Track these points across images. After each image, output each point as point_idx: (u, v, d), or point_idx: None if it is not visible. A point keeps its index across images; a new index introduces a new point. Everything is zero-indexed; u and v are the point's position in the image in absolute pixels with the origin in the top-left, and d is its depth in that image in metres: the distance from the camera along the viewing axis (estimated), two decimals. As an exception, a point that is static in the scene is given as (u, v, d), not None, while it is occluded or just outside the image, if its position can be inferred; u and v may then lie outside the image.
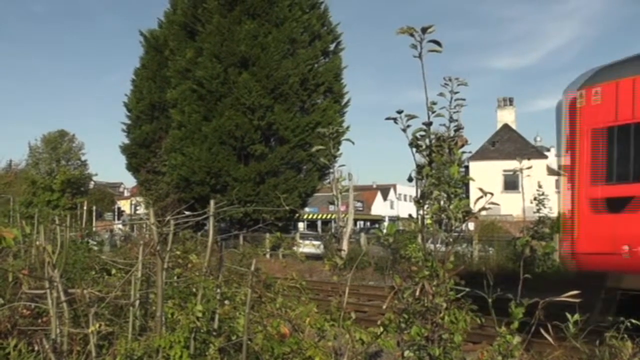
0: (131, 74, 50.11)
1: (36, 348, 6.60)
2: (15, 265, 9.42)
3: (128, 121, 49.92)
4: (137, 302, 6.88)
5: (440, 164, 4.82)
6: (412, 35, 4.75)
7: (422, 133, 4.98)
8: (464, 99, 4.85)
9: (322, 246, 32.31)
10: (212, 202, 7.03)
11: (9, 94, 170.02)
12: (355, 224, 69.43)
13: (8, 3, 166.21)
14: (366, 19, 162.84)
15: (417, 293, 4.65)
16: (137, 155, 48.17)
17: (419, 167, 4.98)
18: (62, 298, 6.77)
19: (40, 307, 7.31)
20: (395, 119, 5.26)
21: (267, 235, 29.27)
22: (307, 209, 57.35)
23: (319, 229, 75.45)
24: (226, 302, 7.37)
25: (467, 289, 4.78)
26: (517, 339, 4.40)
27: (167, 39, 44.42)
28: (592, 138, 11.16)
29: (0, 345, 6.38)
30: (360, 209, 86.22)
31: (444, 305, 4.57)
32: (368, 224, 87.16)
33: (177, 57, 41.67)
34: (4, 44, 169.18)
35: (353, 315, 5.55)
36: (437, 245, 4.86)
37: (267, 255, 27.14)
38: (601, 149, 11.00)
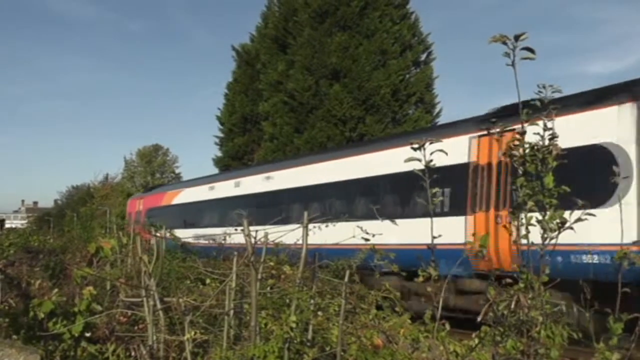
0: (224, 88, 51.08)
1: (133, 354, 6.76)
2: (113, 274, 9.72)
3: (221, 134, 50.83)
4: (232, 312, 6.96)
5: (534, 173, 4.70)
6: (504, 43, 4.65)
7: (516, 142, 4.86)
8: (557, 107, 4.72)
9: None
10: (305, 213, 7.05)
11: (105, 110, 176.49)
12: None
13: (106, 23, 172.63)
14: (457, 27, 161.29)
15: (513, 306, 4.53)
16: (230, 167, 49.00)
17: (513, 177, 4.86)
18: (158, 306, 6.92)
19: (137, 315, 7.49)
20: (488, 129, 5.16)
21: (361, 246, 29.00)
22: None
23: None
24: (319, 313, 7.38)
25: (563, 302, 4.63)
26: (616, 356, 4.22)
27: (258, 52, 45.08)
28: None
29: (100, 350, 6.55)
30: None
31: (540, 318, 4.44)
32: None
33: (269, 70, 42.22)
34: (102, 62, 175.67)
35: (447, 326, 5.46)
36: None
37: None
38: None
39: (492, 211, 15.06)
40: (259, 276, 6.63)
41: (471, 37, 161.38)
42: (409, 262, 5.97)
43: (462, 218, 15.74)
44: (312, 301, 6.89)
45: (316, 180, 21.87)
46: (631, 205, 12.10)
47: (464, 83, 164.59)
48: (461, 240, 14.14)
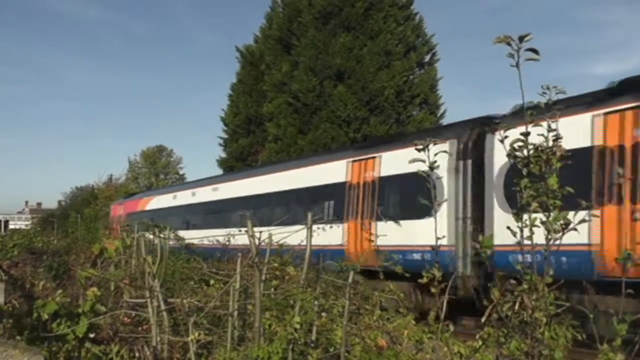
0: (228, 89, 51.09)
1: (137, 355, 6.76)
2: (117, 275, 9.73)
3: (225, 135, 50.82)
4: (236, 313, 6.95)
5: (538, 174, 4.69)
6: (509, 44, 4.64)
7: (520, 143, 4.85)
8: (562, 108, 4.71)
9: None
10: (309, 214, 7.04)
11: (109, 111, 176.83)
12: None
13: (110, 24, 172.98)
14: (461, 28, 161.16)
15: (516, 307, 4.52)
16: (234, 168, 48.99)
17: (517, 178, 4.85)
18: (162, 307, 6.92)
19: (141, 315, 7.50)
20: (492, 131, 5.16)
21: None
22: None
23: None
24: (323, 314, 7.37)
25: (568, 304, 4.62)
26: (620, 357, 4.21)
27: (262, 53, 45.09)
28: None
29: (104, 351, 6.56)
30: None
31: (544, 320, 4.43)
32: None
33: (273, 71, 42.24)
34: (106, 63, 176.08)
35: (451, 327, 5.45)
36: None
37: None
38: None
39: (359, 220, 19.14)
40: (263, 277, 6.63)
41: (476, 38, 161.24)
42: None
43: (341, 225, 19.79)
44: (316, 302, 6.89)
45: (247, 192, 26.96)
46: (444, 217, 16.29)
47: (469, 84, 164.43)
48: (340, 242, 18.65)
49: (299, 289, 6.98)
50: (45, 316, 6.62)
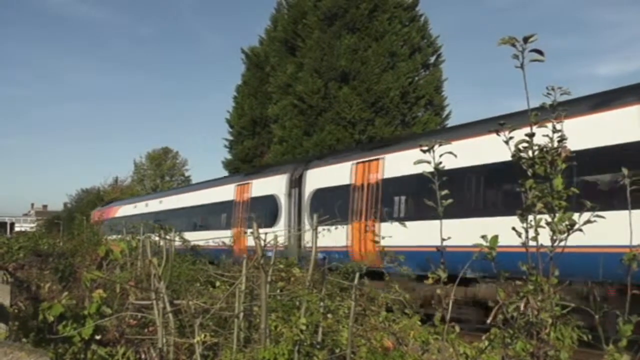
0: (233, 91, 51.18)
1: (143, 356, 6.77)
2: (122, 277, 9.74)
3: (230, 137, 50.91)
4: (242, 314, 6.96)
5: (543, 175, 4.68)
6: (513, 45, 4.63)
7: (525, 144, 4.84)
8: (567, 109, 4.71)
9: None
10: (315, 216, 7.05)
11: (115, 113, 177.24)
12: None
13: (116, 26, 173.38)
14: (466, 29, 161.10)
15: (522, 308, 4.51)
16: (239, 170, 49.04)
17: (523, 179, 4.85)
18: (168, 309, 6.93)
19: (147, 317, 7.51)
20: (497, 131, 5.14)
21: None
22: (408, 223, 56.81)
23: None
24: (329, 315, 7.37)
25: (573, 305, 4.61)
26: (625, 358, 4.20)
27: (267, 55, 45.16)
28: None
29: (110, 352, 6.56)
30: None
31: (550, 320, 4.42)
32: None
33: (278, 73, 42.28)
34: (111, 65, 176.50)
35: (457, 328, 5.44)
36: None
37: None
38: None
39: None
40: (269, 279, 6.63)
41: (480, 38, 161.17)
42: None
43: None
44: (321, 303, 6.89)
45: (184, 204, 34.98)
46: (283, 226, 23.63)
47: (474, 85, 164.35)
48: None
49: (304, 291, 6.98)
50: (51, 318, 6.63)
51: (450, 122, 41.62)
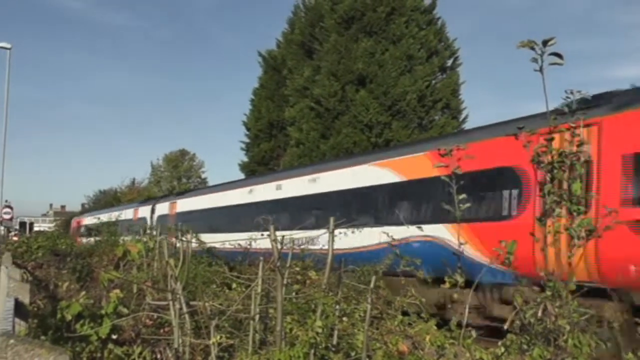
0: (250, 93, 51.24)
1: (159, 356, 6.80)
2: (139, 277, 9.78)
3: (247, 140, 50.96)
4: (257, 317, 6.97)
5: (562, 180, 4.66)
6: (532, 48, 4.62)
7: (544, 148, 4.82)
8: (585, 113, 4.69)
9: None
10: (331, 219, 7.05)
11: (132, 115, 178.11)
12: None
13: (134, 30, 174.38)
14: (483, 32, 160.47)
15: (540, 314, 4.49)
16: (255, 173, 49.12)
17: (541, 184, 4.82)
18: (185, 309, 6.95)
19: (163, 318, 7.54)
20: (516, 135, 5.12)
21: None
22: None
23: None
24: (344, 318, 7.36)
25: (592, 312, 4.58)
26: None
27: (285, 58, 45.19)
28: None
29: (126, 352, 6.59)
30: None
31: (567, 327, 4.39)
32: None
33: (295, 76, 42.31)
34: (129, 68, 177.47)
35: (474, 333, 5.42)
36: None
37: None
38: None
39: None
40: (285, 281, 6.64)
41: (498, 41, 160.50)
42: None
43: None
44: (337, 306, 6.88)
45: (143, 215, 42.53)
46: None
47: (491, 88, 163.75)
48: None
49: (320, 293, 6.98)
50: (69, 317, 6.68)
51: (467, 126, 41.56)
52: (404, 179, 17.83)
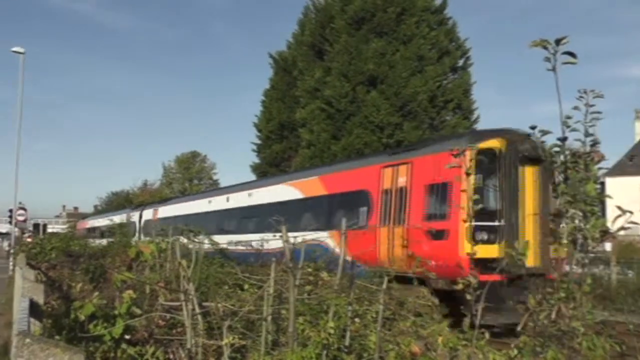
0: (261, 95, 51.30)
1: (172, 356, 6.82)
2: (152, 278, 9.81)
3: (258, 141, 51.00)
4: (270, 317, 6.97)
5: (575, 180, 4.64)
6: (545, 47, 4.61)
7: (557, 149, 4.81)
8: (600, 112, 4.66)
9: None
10: (343, 220, 7.07)
11: (144, 117, 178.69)
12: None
13: (144, 32, 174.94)
14: (494, 31, 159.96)
15: (553, 316, 4.47)
16: (267, 174, 49.16)
17: (554, 185, 4.81)
18: (197, 310, 6.98)
19: (175, 318, 7.56)
20: (529, 135, 5.11)
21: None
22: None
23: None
24: (356, 319, 7.36)
25: (606, 314, 4.56)
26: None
27: (295, 59, 45.22)
28: None
29: (139, 352, 6.62)
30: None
31: (582, 329, 4.37)
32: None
33: (306, 77, 42.32)
34: (139, 70, 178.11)
35: (487, 335, 5.41)
36: (573, 267, 4.67)
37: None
38: None
39: None
40: (297, 282, 6.65)
41: (509, 40, 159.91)
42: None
43: None
44: (349, 307, 6.89)
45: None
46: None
47: (502, 88, 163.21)
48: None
49: (332, 294, 6.99)
50: (83, 317, 6.71)
51: (479, 126, 41.48)
52: (305, 196, 23.51)
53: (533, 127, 5.31)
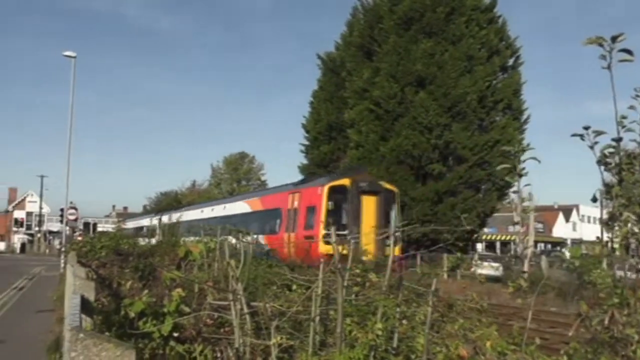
0: (309, 96, 51.45)
1: (219, 355, 6.85)
2: (201, 277, 9.88)
3: (306, 142, 51.18)
4: (318, 318, 6.96)
5: (630, 183, 4.53)
6: (600, 45, 4.50)
7: (611, 150, 4.70)
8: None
9: (501, 268, 31.43)
10: (393, 217, 7.01)
11: (193, 119, 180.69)
12: (535, 246, 66.98)
13: (188, 35, 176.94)
14: (545, 29, 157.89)
15: (606, 322, 4.36)
16: (315, 175, 49.29)
17: (607, 187, 4.70)
18: (245, 310, 7.00)
19: (223, 318, 7.59)
20: (582, 136, 4.98)
21: (445, 255, 28.94)
22: (485, 230, 56.04)
23: (498, 250, 73.66)
24: (404, 321, 7.30)
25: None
26: None
27: (344, 60, 45.26)
28: None
29: (188, 349, 6.66)
30: (541, 230, 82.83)
31: (636, 337, 4.25)
32: (549, 246, 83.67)
33: (354, 78, 42.31)
34: (185, 73, 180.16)
35: (537, 340, 5.31)
36: (627, 272, 4.56)
37: (445, 276, 26.70)
38: None
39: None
40: (345, 283, 6.62)
41: (563, 38, 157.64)
42: None
43: None
44: (397, 309, 6.84)
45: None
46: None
47: (554, 87, 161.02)
48: None
49: (380, 296, 6.94)
50: (132, 314, 6.78)
51: (530, 127, 40.99)
52: (252, 210, 33.87)
53: (586, 128, 5.18)
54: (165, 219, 48.59)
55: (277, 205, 30.42)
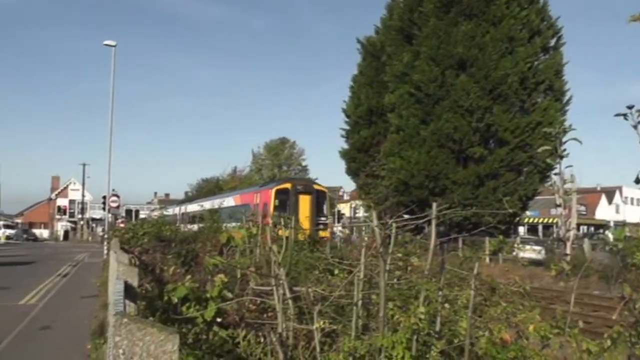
0: (349, 80, 51.39)
1: (262, 340, 6.89)
2: (243, 262, 9.92)
3: (347, 127, 51.18)
4: (360, 302, 6.95)
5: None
6: (646, 22, 4.39)
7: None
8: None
9: (543, 251, 31.09)
10: (434, 205, 6.96)
11: (234, 105, 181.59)
12: (578, 229, 66.15)
13: (232, 22, 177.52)
14: (587, 9, 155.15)
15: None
16: (356, 159, 49.27)
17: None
18: (288, 295, 7.01)
19: (266, 303, 7.63)
20: (625, 115, 4.88)
21: (487, 239, 28.71)
22: (527, 213, 55.45)
23: (540, 234, 72.91)
24: (446, 305, 7.25)
25: None
26: None
27: (383, 44, 45.08)
28: None
29: (231, 335, 6.71)
30: (584, 212, 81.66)
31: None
32: (592, 229, 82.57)
33: (394, 62, 42.09)
34: (229, 59, 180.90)
35: (581, 324, 5.23)
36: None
37: (487, 260, 26.50)
38: None
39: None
40: (387, 267, 6.60)
41: (603, 17, 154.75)
42: None
43: None
44: (440, 293, 6.79)
45: None
46: None
47: (595, 68, 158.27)
48: None
49: (423, 280, 6.90)
50: (175, 300, 6.83)
51: (571, 108, 40.35)
52: (236, 204, 40.59)
53: (630, 107, 5.07)
54: (183, 209, 57.64)
55: (248, 201, 39.43)
